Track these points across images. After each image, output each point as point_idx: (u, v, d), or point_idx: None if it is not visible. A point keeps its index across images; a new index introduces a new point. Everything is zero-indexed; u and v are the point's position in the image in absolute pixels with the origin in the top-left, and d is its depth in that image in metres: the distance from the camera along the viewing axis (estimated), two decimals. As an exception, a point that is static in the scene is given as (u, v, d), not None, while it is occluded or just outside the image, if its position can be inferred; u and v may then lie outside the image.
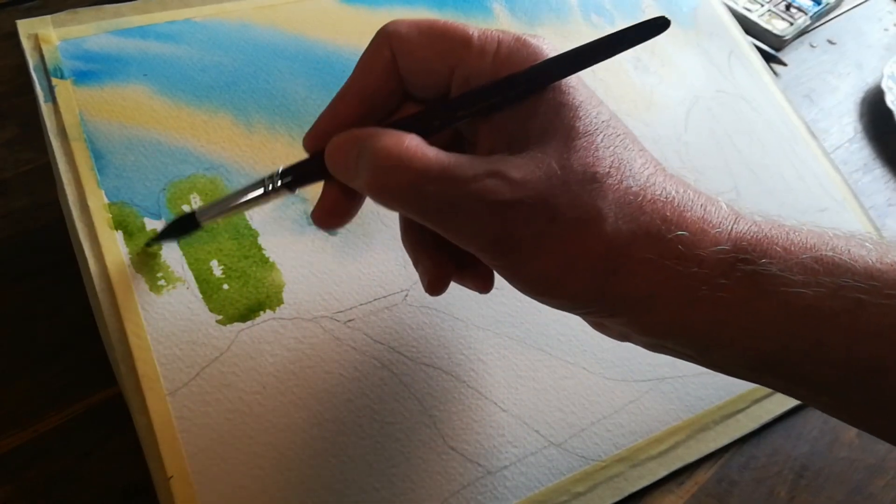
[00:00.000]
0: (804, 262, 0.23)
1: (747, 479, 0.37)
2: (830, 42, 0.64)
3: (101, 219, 0.32)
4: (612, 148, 0.23)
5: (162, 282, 0.31)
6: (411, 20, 0.25)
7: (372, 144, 0.23)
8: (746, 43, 0.52)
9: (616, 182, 0.23)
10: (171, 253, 0.32)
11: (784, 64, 0.60)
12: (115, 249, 0.31)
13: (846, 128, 0.58)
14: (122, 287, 0.31)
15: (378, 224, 0.36)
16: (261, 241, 0.34)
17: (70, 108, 0.33)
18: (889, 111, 0.57)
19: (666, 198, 0.23)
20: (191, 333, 0.31)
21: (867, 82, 0.61)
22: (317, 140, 0.26)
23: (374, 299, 0.34)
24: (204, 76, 0.36)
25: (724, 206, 0.24)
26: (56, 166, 0.32)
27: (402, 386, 0.33)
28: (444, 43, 0.24)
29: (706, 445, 0.37)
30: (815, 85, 0.60)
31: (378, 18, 0.40)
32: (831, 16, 0.66)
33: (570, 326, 0.36)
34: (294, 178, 0.26)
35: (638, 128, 0.44)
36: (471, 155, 0.23)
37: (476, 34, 0.24)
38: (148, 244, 0.32)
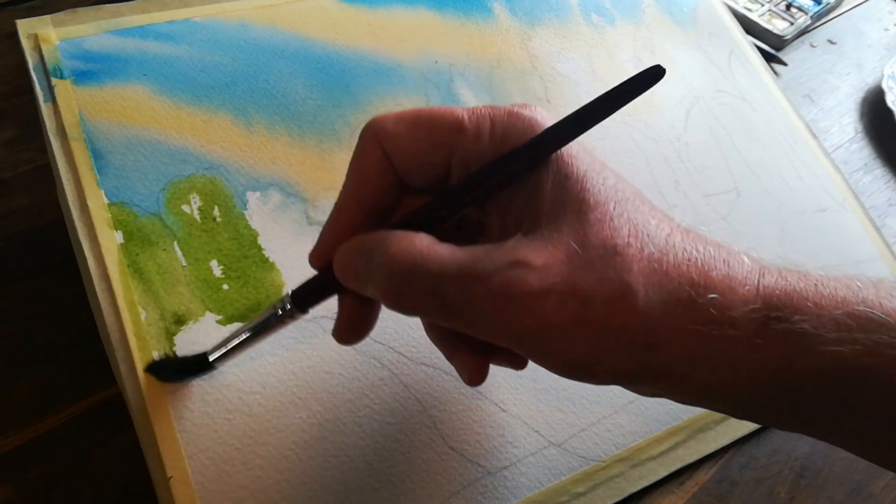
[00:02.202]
0: (837, 319, 0.22)
1: (747, 480, 0.37)
2: (831, 42, 0.64)
3: (101, 219, 0.32)
4: (625, 215, 0.23)
5: (162, 282, 0.31)
6: (394, 115, 0.24)
7: (382, 251, 0.22)
8: (746, 43, 0.52)
9: (637, 251, 0.22)
10: (170, 253, 0.32)
11: (784, 64, 0.60)
12: (115, 249, 0.31)
13: (846, 128, 0.58)
14: (121, 287, 0.31)
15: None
16: (261, 241, 0.34)
17: (70, 108, 0.33)
18: (889, 111, 0.57)
19: (689, 259, 0.23)
20: (191, 333, 0.31)
21: (867, 82, 0.61)
22: (324, 254, 0.25)
23: (374, 299, 0.34)
24: (204, 76, 0.36)
25: (746, 260, 0.24)
26: (56, 166, 0.32)
27: (402, 386, 0.33)
28: (435, 132, 0.24)
29: (706, 446, 0.37)
30: (816, 85, 0.60)
31: (378, 18, 0.40)
32: (831, 16, 0.66)
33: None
34: (306, 299, 0.26)
35: (638, 128, 0.44)
36: (485, 245, 0.22)
37: (466, 116, 0.23)
38: (158, 376, 0.30)
